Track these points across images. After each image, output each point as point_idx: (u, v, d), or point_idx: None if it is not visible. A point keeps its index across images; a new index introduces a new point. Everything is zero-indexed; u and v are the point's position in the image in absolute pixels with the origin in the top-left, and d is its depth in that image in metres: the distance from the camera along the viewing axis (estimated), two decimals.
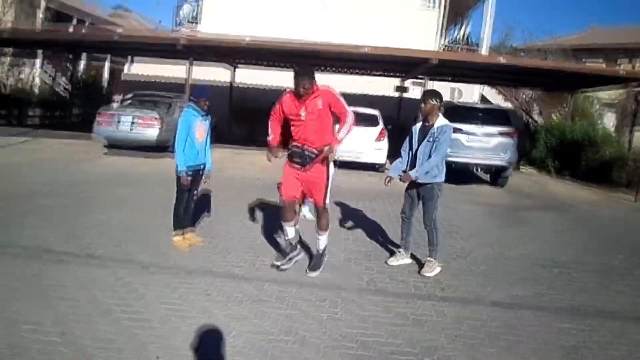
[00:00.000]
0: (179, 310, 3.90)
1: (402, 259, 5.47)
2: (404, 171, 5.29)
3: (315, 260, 4.99)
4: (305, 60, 15.71)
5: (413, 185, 5.29)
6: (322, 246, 4.98)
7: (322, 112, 4.63)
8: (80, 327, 3.50)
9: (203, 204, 7.20)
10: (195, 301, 4.11)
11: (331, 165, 4.82)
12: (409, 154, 5.33)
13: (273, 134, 4.96)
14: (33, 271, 4.46)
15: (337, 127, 4.79)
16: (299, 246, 5.13)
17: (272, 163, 5.16)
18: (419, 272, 5.23)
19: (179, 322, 3.70)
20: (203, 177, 5.68)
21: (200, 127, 5.44)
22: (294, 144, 4.76)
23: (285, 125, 4.85)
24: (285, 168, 4.88)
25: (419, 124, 5.31)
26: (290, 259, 5.01)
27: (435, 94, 5.17)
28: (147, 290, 4.23)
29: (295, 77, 4.58)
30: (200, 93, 5.49)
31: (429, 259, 5.27)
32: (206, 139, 5.56)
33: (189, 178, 5.38)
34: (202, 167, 5.60)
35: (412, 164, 5.24)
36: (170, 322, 3.69)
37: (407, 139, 5.38)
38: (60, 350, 3.19)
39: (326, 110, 4.64)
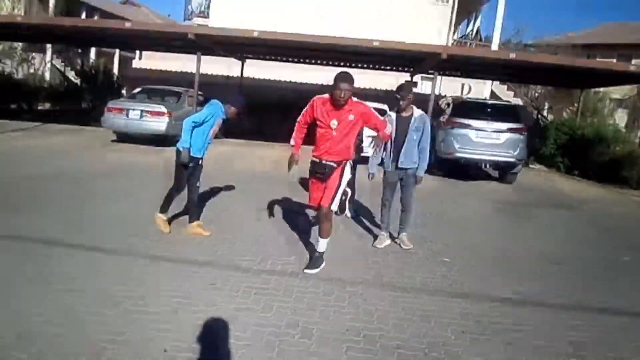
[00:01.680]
0: (186, 303, 3.91)
1: (385, 241, 5.87)
2: (397, 166, 5.71)
3: (313, 260, 4.88)
4: (315, 54, 15.70)
5: (394, 171, 5.75)
6: (321, 249, 4.87)
7: (353, 127, 4.62)
8: (90, 320, 3.52)
9: (210, 196, 7.23)
10: (202, 293, 4.13)
11: (347, 170, 4.77)
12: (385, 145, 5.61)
13: (296, 140, 4.87)
14: (41, 261, 4.49)
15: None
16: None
17: (283, 160, 5.17)
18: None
19: (187, 315, 3.72)
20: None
21: (216, 126, 5.56)
22: (314, 158, 4.73)
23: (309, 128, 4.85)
24: (310, 182, 4.88)
25: (393, 116, 5.65)
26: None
27: (411, 88, 5.67)
28: (154, 283, 4.25)
29: (335, 82, 4.44)
30: (237, 101, 5.61)
31: (405, 234, 5.90)
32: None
33: (192, 157, 5.41)
34: (201, 159, 5.64)
35: (394, 154, 5.67)
36: (178, 315, 3.71)
37: None
38: (69, 343, 3.20)
39: (356, 127, 4.66)
